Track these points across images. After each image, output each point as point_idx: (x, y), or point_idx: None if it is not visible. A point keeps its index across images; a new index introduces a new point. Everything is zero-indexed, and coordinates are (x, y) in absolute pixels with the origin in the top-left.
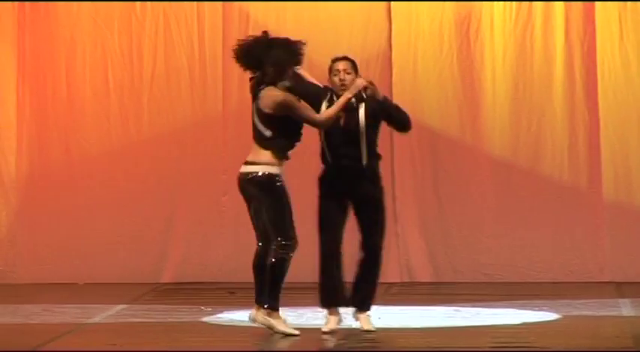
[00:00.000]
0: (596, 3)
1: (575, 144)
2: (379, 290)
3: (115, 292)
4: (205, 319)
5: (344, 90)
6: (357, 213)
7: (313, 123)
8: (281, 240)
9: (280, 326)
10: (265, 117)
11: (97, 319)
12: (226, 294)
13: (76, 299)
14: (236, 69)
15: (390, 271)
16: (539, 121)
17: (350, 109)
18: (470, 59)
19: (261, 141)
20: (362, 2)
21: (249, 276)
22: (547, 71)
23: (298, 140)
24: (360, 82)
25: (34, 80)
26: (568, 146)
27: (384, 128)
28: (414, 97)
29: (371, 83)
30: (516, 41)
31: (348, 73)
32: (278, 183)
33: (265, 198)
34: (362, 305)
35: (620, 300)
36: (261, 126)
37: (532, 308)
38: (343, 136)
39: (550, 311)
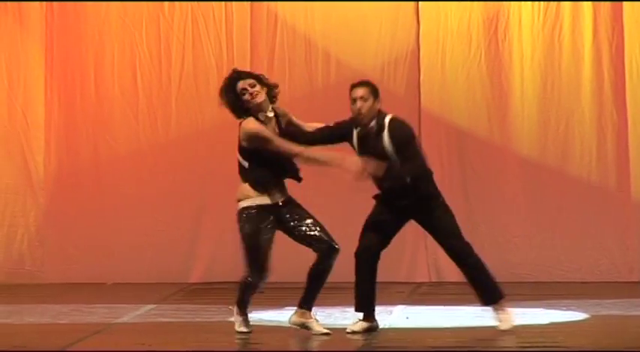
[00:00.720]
0: (624, 2)
1: (604, 144)
2: (407, 290)
3: (144, 292)
4: (233, 318)
5: (361, 118)
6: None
7: (290, 156)
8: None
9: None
10: (241, 149)
11: (125, 319)
12: (256, 294)
13: (105, 299)
14: (264, 68)
15: (418, 271)
16: (567, 121)
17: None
18: (498, 59)
19: (240, 172)
20: (390, 2)
21: (277, 276)
22: (575, 71)
23: (282, 170)
24: (355, 167)
25: (62, 80)
26: (596, 146)
27: (413, 127)
28: (442, 97)
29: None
30: (544, 41)
31: (365, 100)
32: (244, 215)
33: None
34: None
35: None
36: (239, 157)
37: (560, 307)
38: None
39: (578, 311)
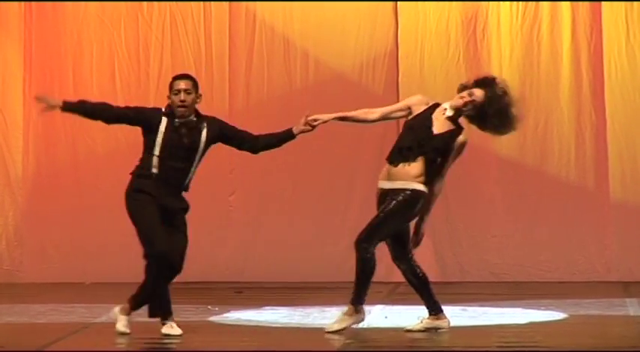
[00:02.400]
0: (603, 2)
1: (582, 144)
2: (386, 290)
3: (122, 292)
4: (212, 318)
5: (183, 110)
6: None
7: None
8: None
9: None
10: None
11: (103, 318)
12: (233, 294)
13: (83, 298)
14: (242, 68)
15: (396, 271)
16: (546, 120)
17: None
18: (477, 58)
19: None
20: (369, 2)
21: (255, 276)
22: (554, 70)
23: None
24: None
25: (40, 79)
26: (575, 145)
27: (391, 128)
28: None
29: None
30: (523, 40)
31: (189, 93)
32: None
33: None
34: None
35: (628, 300)
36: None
37: (539, 307)
38: None
39: (557, 311)
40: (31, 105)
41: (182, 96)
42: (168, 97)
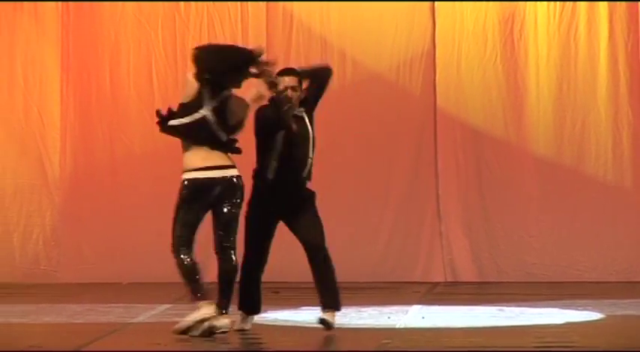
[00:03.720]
0: None
1: (620, 143)
2: (423, 290)
3: (159, 292)
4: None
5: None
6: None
7: None
8: None
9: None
10: None
11: (140, 318)
12: (270, 294)
13: (120, 298)
14: (280, 68)
15: (434, 271)
16: (583, 121)
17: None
18: (514, 58)
19: None
20: (406, 2)
21: (292, 276)
22: (591, 70)
23: None
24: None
25: (77, 80)
26: (612, 145)
27: (428, 129)
28: (457, 97)
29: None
30: (560, 40)
31: (295, 90)
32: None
33: None
34: None
35: None
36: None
37: (576, 307)
38: None
39: (594, 311)
40: (68, 106)
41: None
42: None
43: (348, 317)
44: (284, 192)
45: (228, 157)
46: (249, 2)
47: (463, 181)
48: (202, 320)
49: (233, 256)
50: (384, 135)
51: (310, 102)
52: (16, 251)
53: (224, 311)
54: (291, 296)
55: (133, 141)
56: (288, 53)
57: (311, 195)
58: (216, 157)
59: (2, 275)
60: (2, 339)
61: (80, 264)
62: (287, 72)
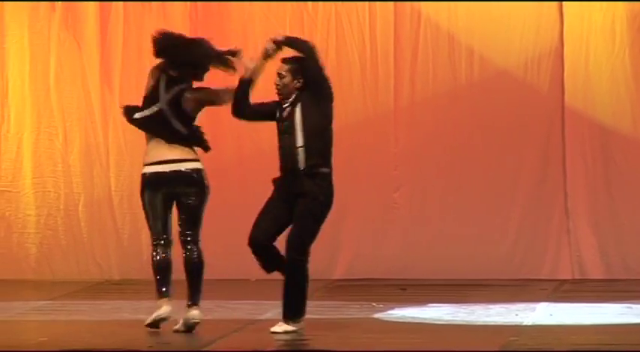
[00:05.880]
0: None
1: None
2: (550, 287)
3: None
4: (377, 315)
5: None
6: None
7: None
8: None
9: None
10: None
11: (269, 315)
12: (398, 291)
13: (249, 295)
14: (407, 65)
15: (561, 268)
16: None
17: None
18: None
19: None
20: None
21: (419, 273)
22: None
23: None
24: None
25: (206, 77)
26: None
27: (555, 126)
28: (585, 93)
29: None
30: None
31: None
32: None
33: None
34: None
35: None
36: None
37: None
38: None
39: None
40: None
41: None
42: None
43: (476, 314)
44: (285, 182)
45: (190, 150)
46: (377, 2)
47: (591, 178)
48: (158, 320)
49: (194, 248)
50: (511, 132)
51: (310, 84)
52: (144, 248)
53: (189, 303)
54: (417, 293)
55: (260, 136)
56: (416, 50)
57: (315, 191)
58: (175, 151)
59: (132, 271)
60: (130, 335)
61: (208, 259)
62: (282, 60)
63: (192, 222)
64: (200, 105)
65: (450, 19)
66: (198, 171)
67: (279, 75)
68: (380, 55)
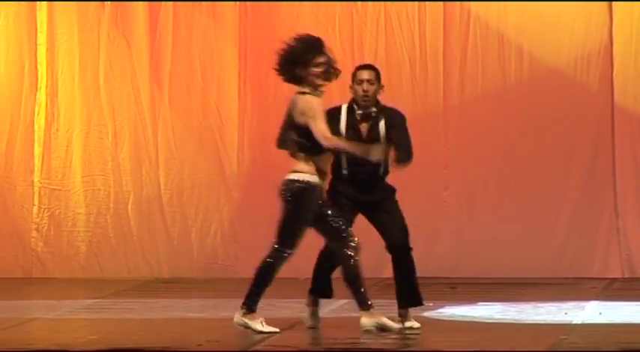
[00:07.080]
0: None
1: None
2: (600, 286)
3: (338, 287)
4: (427, 314)
5: (366, 101)
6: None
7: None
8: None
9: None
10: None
11: (319, 314)
12: (447, 289)
13: (297, 294)
14: (457, 64)
15: (611, 267)
16: None
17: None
18: None
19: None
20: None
21: (469, 271)
22: None
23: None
24: (378, 156)
25: (255, 77)
26: None
27: (605, 124)
28: (635, 92)
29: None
30: None
31: (372, 84)
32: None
33: None
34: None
35: None
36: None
37: None
38: None
39: None
40: (245, 102)
41: (365, 86)
42: (351, 87)
43: (526, 312)
44: (359, 189)
45: (302, 162)
46: (427, 2)
47: None
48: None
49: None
50: (561, 130)
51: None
52: (194, 246)
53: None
54: (467, 292)
55: None
56: (465, 49)
57: (390, 191)
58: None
59: (181, 270)
60: (180, 334)
61: (258, 258)
62: (364, 66)
63: (279, 227)
64: None
65: (500, 17)
66: (289, 180)
67: (369, 81)
68: (429, 54)
